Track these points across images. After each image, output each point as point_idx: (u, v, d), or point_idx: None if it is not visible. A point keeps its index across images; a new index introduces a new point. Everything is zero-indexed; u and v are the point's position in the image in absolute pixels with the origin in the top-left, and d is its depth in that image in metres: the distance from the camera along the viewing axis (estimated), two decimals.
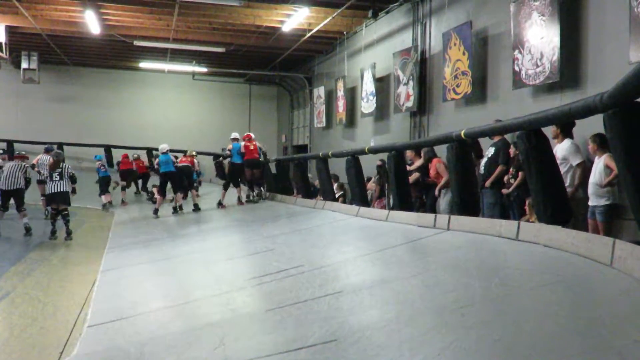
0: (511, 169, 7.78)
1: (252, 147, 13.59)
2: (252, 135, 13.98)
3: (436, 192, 9.17)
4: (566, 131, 6.95)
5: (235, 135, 14.19)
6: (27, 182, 12.13)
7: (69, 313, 5.73)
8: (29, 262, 8.61)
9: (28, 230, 11.18)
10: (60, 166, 11.15)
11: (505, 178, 7.74)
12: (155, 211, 13.33)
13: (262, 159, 14.02)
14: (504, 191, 7.54)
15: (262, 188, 14.08)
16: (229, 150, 14.18)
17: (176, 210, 13.54)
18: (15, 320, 5.60)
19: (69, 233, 10.92)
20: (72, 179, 11.33)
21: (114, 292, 6.24)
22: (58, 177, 11.04)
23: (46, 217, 12.97)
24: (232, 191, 13.61)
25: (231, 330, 4.05)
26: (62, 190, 11.03)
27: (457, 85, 10.77)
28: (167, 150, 14.01)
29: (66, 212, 11.07)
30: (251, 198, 13.79)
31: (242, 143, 13.62)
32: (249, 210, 12.34)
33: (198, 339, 4.03)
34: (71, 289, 6.92)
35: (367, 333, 3.33)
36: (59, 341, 4.81)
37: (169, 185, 13.72)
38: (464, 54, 10.59)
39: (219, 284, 5.76)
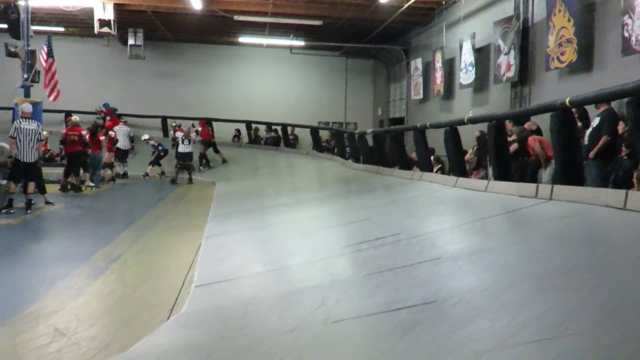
0: (623, 148, 7.44)
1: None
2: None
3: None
4: None
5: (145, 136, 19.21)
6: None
7: (176, 275, 5.98)
8: (138, 228, 9.08)
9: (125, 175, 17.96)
10: (190, 136, 17.21)
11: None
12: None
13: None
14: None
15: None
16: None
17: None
18: (128, 280, 5.93)
19: (190, 179, 16.84)
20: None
21: (217, 257, 6.48)
22: (187, 142, 17.10)
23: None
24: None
25: (331, 293, 4.13)
26: (188, 151, 17.13)
27: (562, 54, 10.40)
28: None
29: (191, 165, 17.22)
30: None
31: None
32: (345, 182, 12.42)
33: (299, 300, 4.14)
34: (177, 253, 7.22)
35: (467, 296, 3.34)
36: (168, 300, 5.04)
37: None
38: (569, 20, 10.20)
39: (317, 250, 5.86)
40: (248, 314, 4.01)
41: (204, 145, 19.58)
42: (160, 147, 18.51)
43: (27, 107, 10.93)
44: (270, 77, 24.60)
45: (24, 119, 10.62)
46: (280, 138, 21.96)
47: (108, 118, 19.27)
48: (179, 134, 17.39)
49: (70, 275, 5.95)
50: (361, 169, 13.55)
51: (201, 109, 22.89)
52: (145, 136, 18.99)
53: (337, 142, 18.54)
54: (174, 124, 20.34)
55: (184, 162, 17.01)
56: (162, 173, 18.41)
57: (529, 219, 5.37)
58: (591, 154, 7.65)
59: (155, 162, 18.45)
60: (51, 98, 15.40)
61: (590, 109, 8.05)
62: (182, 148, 17.06)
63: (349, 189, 11.22)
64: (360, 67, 25.22)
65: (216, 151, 20.26)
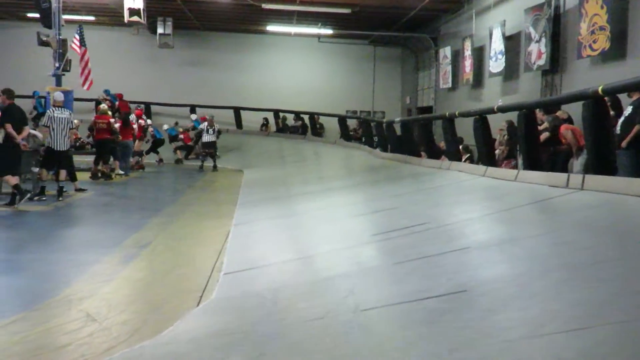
0: None
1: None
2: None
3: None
4: None
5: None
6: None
7: (205, 262, 6.01)
8: (167, 215, 9.16)
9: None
10: (213, 125, 17.64)
11: None
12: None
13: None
14: None
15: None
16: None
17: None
18: (157, 267, 5.99)
19: (215, 166, 17.45)
20: (219, 134, 18.10)
21: (246, 244, 6.52)
22: (212, 131, 17.59)
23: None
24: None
25: (359, 281, 4.14)
26: (212, 140, 17.67)
27: (594, 41, 10.22)
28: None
29: (213, 153, 17.64)
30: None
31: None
32: (372, 171, 12.38)
33: (328, 288, 4.15)
34: (205, 240, 7.27)
35: (497, 285, 3.32)
36: (197, 286, 5.07)
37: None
38: (602, 7, 10.01)
39: (345, 238, 5.86)
40: (277, 302, 4.03)
41: None
42: (155, 137, 18.69)
43: (59, 96, 11.06)
44: (298, 65, 24.58)
45: (56, 108, 10.75)
46: (307, 127, 21.94)
47: (117, 103, 19.25)
48: (204, 125, 17.77)
49: (101, 262, 6.03)
50: (389, 158, 13.49)
51: (229, 97, 22.98)
52: (148, 121, 19.00)
53: (364, 131, 18.50)
54: (176, 128, 20.73)
55: (209, 150, 17.82)
56: (160, 160, 18.82)
57: (559, 209, 5.31)
58: (623, 144, 7.49)
59: (151, 150, 18.66)
60: (85, 87, 15.51)
61: (623, 97, 7.90)
62: (206, 137, 17.78)
63: (377, 177, 11.19)
64: (388, 56, 25.07)
65: None
